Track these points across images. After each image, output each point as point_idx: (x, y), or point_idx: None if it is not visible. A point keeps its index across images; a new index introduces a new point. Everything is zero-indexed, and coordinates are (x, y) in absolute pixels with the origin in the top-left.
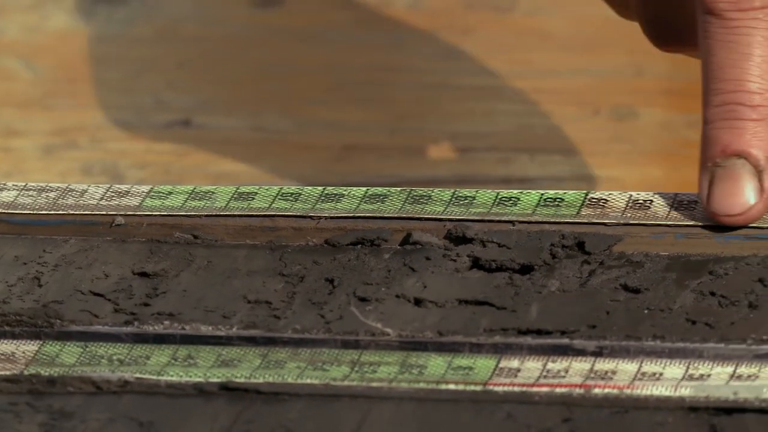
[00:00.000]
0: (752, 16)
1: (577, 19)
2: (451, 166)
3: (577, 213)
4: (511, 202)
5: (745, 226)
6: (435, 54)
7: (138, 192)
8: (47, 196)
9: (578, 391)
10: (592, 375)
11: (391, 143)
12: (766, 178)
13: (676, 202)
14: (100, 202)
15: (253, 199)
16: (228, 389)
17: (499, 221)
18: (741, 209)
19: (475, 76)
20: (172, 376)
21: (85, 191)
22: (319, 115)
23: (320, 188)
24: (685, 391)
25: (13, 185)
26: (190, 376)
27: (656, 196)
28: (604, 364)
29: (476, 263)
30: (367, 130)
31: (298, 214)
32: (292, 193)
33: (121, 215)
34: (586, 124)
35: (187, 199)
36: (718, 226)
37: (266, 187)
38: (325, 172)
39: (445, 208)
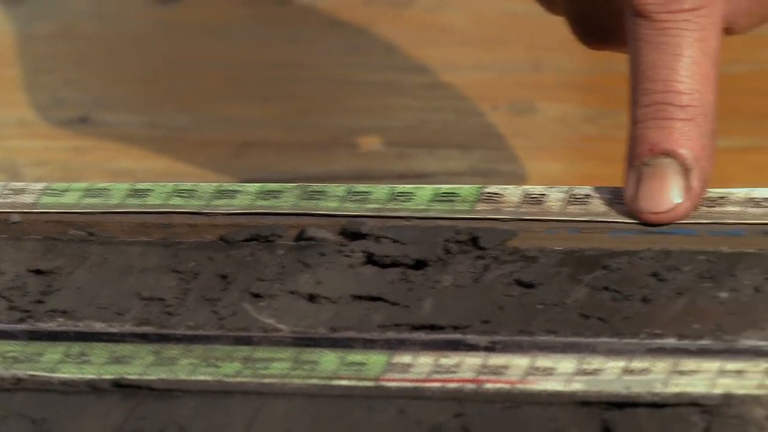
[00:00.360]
0: (682, 18)
1: (476, 14)
2: (350, 161)
3: (472, 208)
4: (405, 197)
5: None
6: (334, 50)
7: (33, 189)
8: None
9: (470, 386)
10: (485, 370)
11: (290, 139)
12: (693, 177)
13: (570, 197)
14: None
15: (149, 195)
16: (121, 386)
17: (394, 217)
18: (667, 207)
19: (375, 72)
20: (65, 373)
21: None
22: (217, 111)
23: (215, 185)
24: (578, 385)
25: None
26: (83, 373)
27: (550, 190)
28: (496, 359)
29: (370, 259)
30: (265, 127)
31: (193, 210)
32: (188, 190)
33: (16, 213)
34: (484, 119)
35: (83, 196)
36: (612, 220)
37: (162, 184)
38: (223, 169)
39: (340, 204)
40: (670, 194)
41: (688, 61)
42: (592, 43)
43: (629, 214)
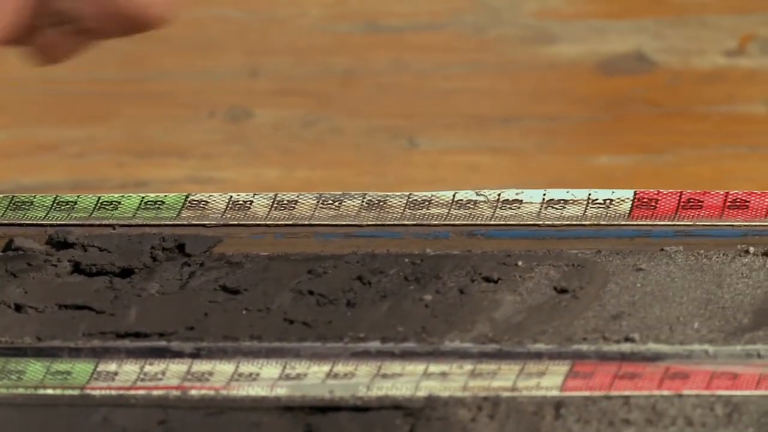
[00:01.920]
0: None
1: (192, 19)
2: (67, 171)
3: (178, 215)
4: (112, 206)
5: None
6: None
7: None
8: None
9: (175, 393)
10: (189, 377)
11: (6, 149)
12: None
13: (276, 202)
14: None
15: None
16: None
17: (101, 225)
18: None
19: (91, 81)
20: None
21: None
22: None
23: None
24: (282, 390)
25: None
26: None
27: (256, 196)
28: (201, 366)
29: (77, 268)
30: None
31: None
32: None
33: None
34: (200, 125)
35: None
36: (319, 224)
37: None
38: None
39: (47, 214)
40: None
41: None
42: None
43: (336, 218)
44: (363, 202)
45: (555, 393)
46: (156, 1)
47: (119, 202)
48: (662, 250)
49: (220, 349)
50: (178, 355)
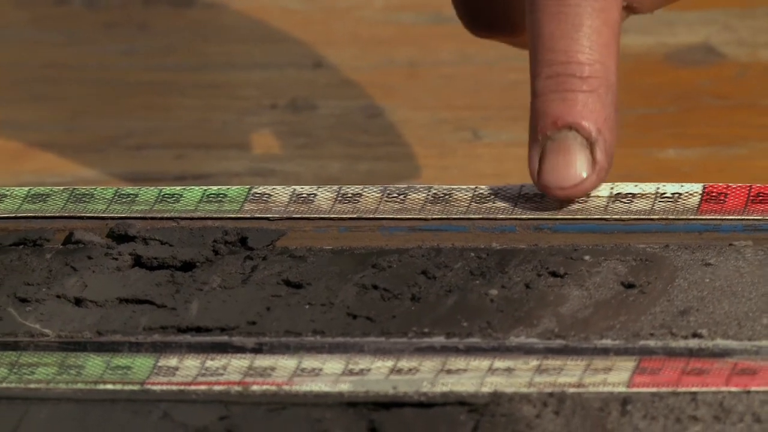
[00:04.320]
0: None
1: (254, 11)
2: (126, 163)
3: (240, 208)
4: (173, 198)
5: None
6: (112, 51)
7: None
8: None
9: (236, 388)
10: (251, 372)
11: (67, 142)
12: (597, 150)
13: (340, 195)
14: None
15: None
16: None
17: (162, 218)
18: (574, 182)
19: (153, 72)
20: None
21: None
22: None
23: None
24: (344, 386)
25: None
26: None
27: (320, 189)
28: (263, 361)
29: (138, 261)
30: (42, 130)
31: None
32: None
33: None
34: (263, 117)
35: None
36: (383, 217)
37: None
38: (2, 173)
39: (108, 207)
40: (575, 169)
41: (589, 31)
42: (480, 30)
43: (401, 211)
44: (428, 195)
45: (621, 389)
46: None
47: (181, 195)
48: (731, 244)
49: (282, 344)
50: (239, 350)
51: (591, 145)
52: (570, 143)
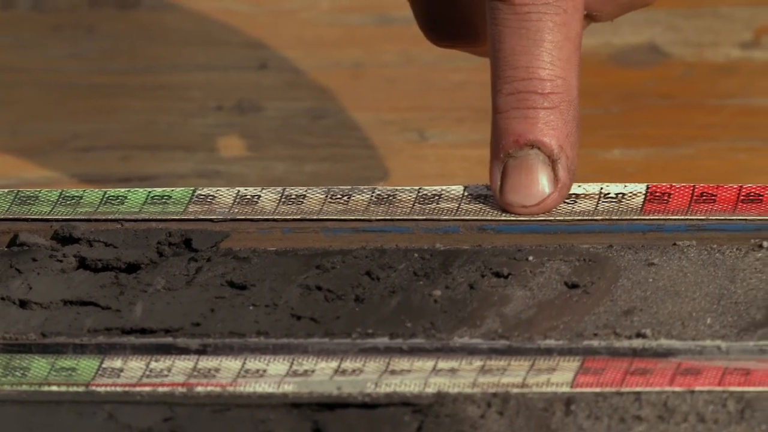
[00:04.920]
0: (543, 1)
1: (199, 13)
2: (73, 165)
3: (184, 210)
4: (118, 200)
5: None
6: (58, 54)
7: None
8: None
9: (181, 389)
10: (195, 373)
11: (13, 144)
12: (559, 167)
13: (284, 197)
14: None
15: None
16: None
17: (106, 220)
18: (537, 200)
19: (99, 74)
20: None
21: None
22: None
23: None
24: (289, 387)
25: None
26: None
27: (264, 191)
28: (207, 362)
29: (83, 263)
30: None
31: None
32: None
33: None
34: (208, 119)
35: None
36: (327, 219)
37: None
38: None
39: (52, 209)
40: (538, 187)
41: (550, 46)
42: (440, 39)
43: (345, 212)
44: (372, 196)
45: (565, 389)
46: None
47: (125, 197)
48: (675, 244)
49: (226, 346)
50: (184, 351)
51: (553, 163)
52: (532, 161)
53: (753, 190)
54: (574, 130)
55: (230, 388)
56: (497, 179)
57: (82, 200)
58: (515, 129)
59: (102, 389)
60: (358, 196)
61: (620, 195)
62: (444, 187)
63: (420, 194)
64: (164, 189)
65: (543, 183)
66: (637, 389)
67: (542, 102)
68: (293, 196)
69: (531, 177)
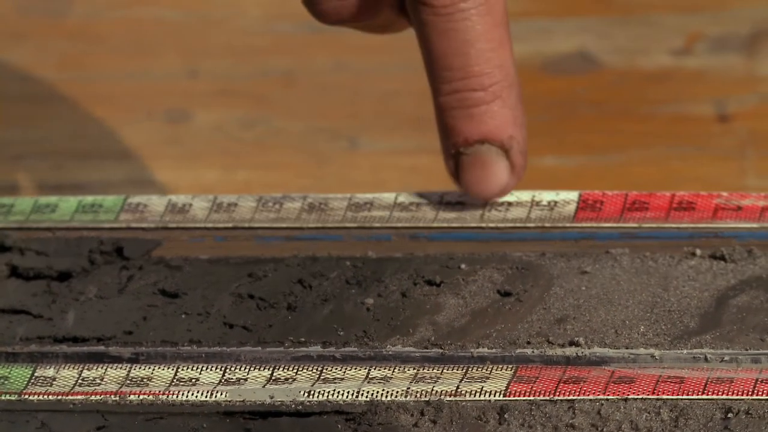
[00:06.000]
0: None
1: (129, 21)
2: (3, 173)
3: (116, 218)
4: (49, 209)
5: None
6: None
7: None
8: None
9: (113, 398)
10: (128, 382)
11: None
12: (512, 153)
13: (216, 205)
14: None
15: None
16: None
17: (38, 228)
18: (497, 190)
19: (28, 83)
20: None
21: None
22: None
23: None
24: (221, 395)
25: None
26: None
27: (195, 199)
28: (139, 371)
29: (14, 271)
30: None
31: None
32: None
33: None
34: (139, 127)
35: None
36: (259, 227)
37: None
38: None
39: None
40: (496, 178)
41: (481, 40)
42: (328, 16)
43: (277, 220)
44: (304, 204)
45: (499, 397)
46: None
47: (57, 205)
48: (608, 252)
49: (158, 354)
50: (116, 360)
51: (506, 152)
52: (485, 156)
53: (686, 197)
54: (519, 111)
55: (163, 397)
56: (454, 172)
57: (13, 208)
58: (462, 128)
59: (35, 398)
60: (289, 204)
61: (553, 203)
62: (376, 195)
63: (352, 202)
64: (96, 197)
65: (500, 174)
66: (571, 397)
67: (483, 97)
68: (225, 204)
69: (487, 171)
